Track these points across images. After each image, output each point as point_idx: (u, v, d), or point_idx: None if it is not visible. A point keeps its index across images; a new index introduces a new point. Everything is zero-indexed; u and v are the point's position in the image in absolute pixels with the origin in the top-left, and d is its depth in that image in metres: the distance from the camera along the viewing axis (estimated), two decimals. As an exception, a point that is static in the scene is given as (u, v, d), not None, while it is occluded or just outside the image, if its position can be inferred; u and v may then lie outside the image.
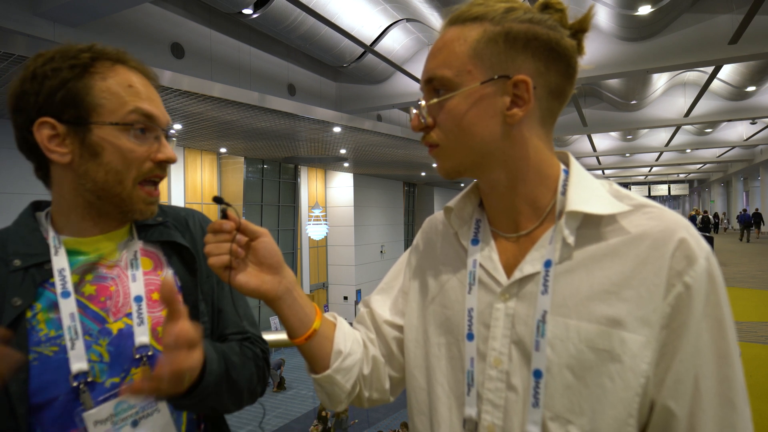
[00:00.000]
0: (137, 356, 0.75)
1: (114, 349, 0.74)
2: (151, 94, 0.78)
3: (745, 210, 20.49)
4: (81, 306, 0.74)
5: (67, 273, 0.74)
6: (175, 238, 0.85)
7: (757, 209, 22.13)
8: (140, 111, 0.74)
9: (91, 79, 0.72)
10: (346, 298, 18.83)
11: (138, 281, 0.79)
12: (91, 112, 0.72)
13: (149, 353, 0.76)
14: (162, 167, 0.79)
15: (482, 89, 0.62)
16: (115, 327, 0.75)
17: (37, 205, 0.82)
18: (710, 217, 21.72)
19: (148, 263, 0.82)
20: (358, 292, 18.67)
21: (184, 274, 0.84)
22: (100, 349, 0.73)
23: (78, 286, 0.75)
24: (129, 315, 0.77)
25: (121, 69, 0.76)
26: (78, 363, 0.70)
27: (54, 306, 0.72)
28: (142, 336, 0.76)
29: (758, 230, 20.00)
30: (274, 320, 15.21)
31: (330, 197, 18.99)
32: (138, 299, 0.77)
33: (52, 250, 0.75)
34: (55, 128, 0.72)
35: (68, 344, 0.71)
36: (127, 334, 0.75)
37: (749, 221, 18.62)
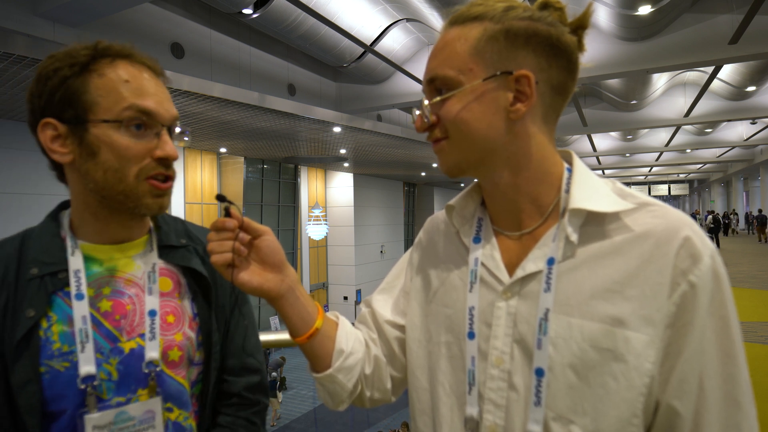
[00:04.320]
0: (146, 371, 0.74)
1: (123, 369, 0.73)
2: (152, 88, 0.74)
3: (710, 211, 24.76)
4: (95, 322, 0.73)
5: (82, 275, 0.73)
6: (195, 265, 0.83)
7: (734, 210, 25.99)
8: (136, 107, 0.71)
9: (89, 76, 0.71)
10: (346, 298, 18.82)
11: (154, 295, 0.78)
12: (88, 110, 0.71)
13: (157, 369, 0.75)
14: (164, 164, 0.75)
15: (484, 86, 0.62)
16: (127, 346, 0.74)
17: (65, 205, 0.81)
18: (719, 217, 22.35)
19: (168, 284, 0.81)
20: (358, 292, 18.67)
21: (202, 302, 0.83)
22: (110, 368, 0.73)
23: (94, 300, 0.74)
24: (142, 336, 0.75)
25: (122, 64, 0.73)
26: (87, 366, 0.70)
27: (69, 320, 0.71)
28: (152, 351, 0.75)
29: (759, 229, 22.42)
30: (274, 320, 15.21)
31: (330, 197, 18.99)
32: (152, 313, 0.76)
33: (69, 251, 0.74)
34: (57, 129, 0.72)
35: (78, 347, 0.70)
36: (138, 354, 0.74)
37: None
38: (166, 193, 0.77)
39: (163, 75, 0.79)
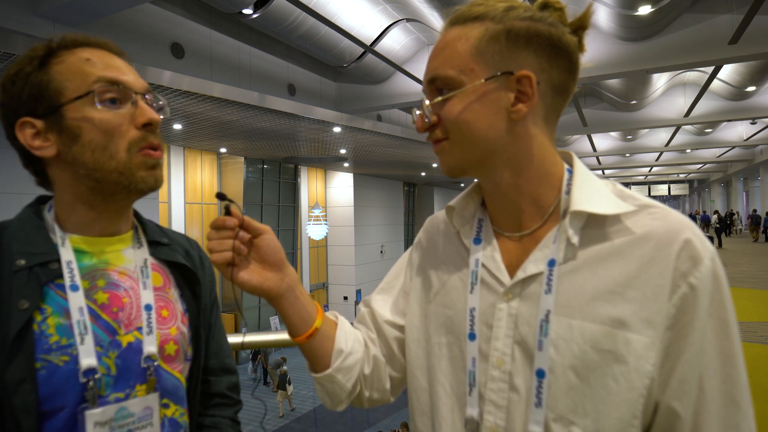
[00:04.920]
0: (144, 365, 0.74)
1: (122, 363, 0.72)
2: (116, 63, 0.75)
3: (714, 212, 25.07)
4: (93, 314, 0.71)
5: (75, 266, 0.72)
6: (183, 261, 0.84)
7: (736, 211, 26.50)
8: (105, 79, 0.71)
9: (50, 67, 0.71)
10: (346, 298, 18.83)
11: (148, 289, 0.77)
12: (59, 97, 0.70)
13: (155, 364, 0.75)
14: (150, 131, 0.74)
15: (486, 86, 0.62)
16: (125, 340, 0.73)
17: (42, 200, 0.80)
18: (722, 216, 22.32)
19: (159, 279, 0.81)
20: (358, 292, 18.67)
21: (190, 299, 0.84)
22: (108, 361, 0.71)
23: (90, 292, 0.72)
24: (139, 329, 0.75)
25: (80, 50, 0.73)
26: (88, 359, 0.68)
27: (65, 312, 0.69)
28: (150, 346, 0.74)
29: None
30: (274, 320, 15.21)
31: (330, 197, 18.99)
32: (148, 308, 0.76)
33: (59, 241, 0.72)
34: (35, 125, 0.71)
35: (77, 339, 0.68)
36: (136, 348, 0.74)
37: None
38: (158, 165, 0.76)
39: (124, 55, 0.78)
